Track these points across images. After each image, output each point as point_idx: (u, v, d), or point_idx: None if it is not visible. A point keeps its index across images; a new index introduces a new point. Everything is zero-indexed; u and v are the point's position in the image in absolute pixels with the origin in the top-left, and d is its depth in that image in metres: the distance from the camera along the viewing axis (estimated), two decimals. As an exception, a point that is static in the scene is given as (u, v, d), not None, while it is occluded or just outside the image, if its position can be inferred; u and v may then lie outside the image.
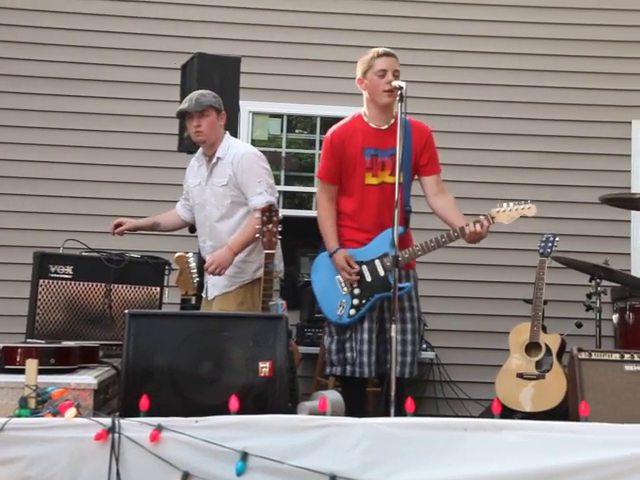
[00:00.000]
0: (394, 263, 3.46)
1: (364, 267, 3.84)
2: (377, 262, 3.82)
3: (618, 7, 6.13)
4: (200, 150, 4.28)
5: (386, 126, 3.91)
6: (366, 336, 3.82)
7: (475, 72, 6.06)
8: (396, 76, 3.83)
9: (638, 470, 2.53)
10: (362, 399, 4.06)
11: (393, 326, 3.34)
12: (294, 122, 6.62)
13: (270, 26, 6.05)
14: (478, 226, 3.73)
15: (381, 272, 3.79)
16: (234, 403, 2.68)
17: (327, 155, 3.96)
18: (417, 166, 3.97)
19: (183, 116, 4.20)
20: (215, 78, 4.11)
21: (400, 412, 3.09)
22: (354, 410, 3.78)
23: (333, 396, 3.12)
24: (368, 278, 3.83)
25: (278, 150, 6.26)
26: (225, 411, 2.70)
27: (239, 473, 2.52)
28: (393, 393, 3.29)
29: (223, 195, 4.12)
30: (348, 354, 3.82)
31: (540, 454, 2.63)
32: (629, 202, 4.73)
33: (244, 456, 2.55)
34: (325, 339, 4.04)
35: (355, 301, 3.83)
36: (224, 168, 4.12)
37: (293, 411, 3.04)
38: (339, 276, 3.86)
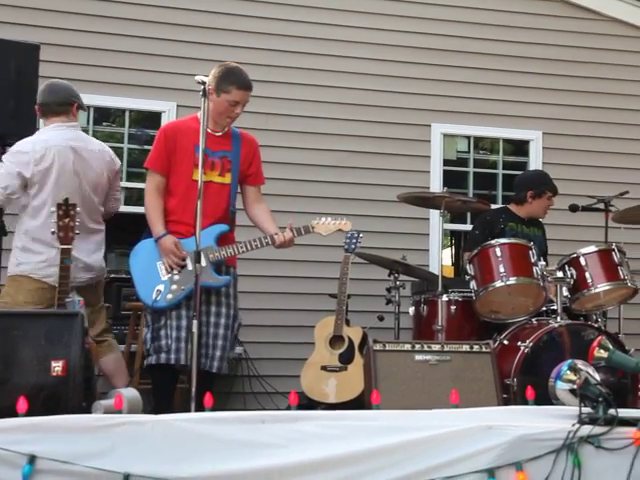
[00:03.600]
0: (196, 258, 3.52)
1: (188, 257, 3.92)
2: (201, 253, 3.82)
3: (421, 16, 6.44)
4: None
5: (220, 133, 4.11)
6: (184, 323, 3.88)
7: (291, 72, 6.16)
8: (243, 106, 4.04)
9: (424, 453, 2.64)
10: (172, 392, 4.11)
11: (194, 322, 3.39)
12: (103, 115, 6.42)
13: (78, 14, 5.81)
14: (282, 237, 4.11)
15: (204, 263, 3.84)
16: (22, 405, 2.57)
17: (158, 145, 4.08)
18: (244, 175, 4.17)
19: None
20: (11, 65, 3.89)
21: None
22: (164, 404, 3.82)
23: (130, 394, 3.07)
24: (190, 267, 3.90)
25: (84, 143, 6.03)
26: (14, 413, 2.58)
27: (26, 477, 2.41)
28: (194, 389, 3.30)
29: None
30: (163, 341, 3.87)
31: (334, 442, 2.70)
32: (426, 200, 4.95)
33: (31, 459, 2.44)
34: (144, 332, 4.09)
35: (174, 287, 3.91)
36: None
37: (88, 411, 2.95)
38: (160, 262, 3.96)
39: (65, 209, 3.51)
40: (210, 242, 3.94)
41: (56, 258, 3.68)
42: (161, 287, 3.92)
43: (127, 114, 6.06)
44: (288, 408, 4.66)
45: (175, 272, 3.93)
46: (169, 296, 3.90)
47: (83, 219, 3.94)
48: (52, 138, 4.03)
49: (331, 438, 2.70)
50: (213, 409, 2.81)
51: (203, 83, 3.56)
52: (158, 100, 5.91)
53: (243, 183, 4.23)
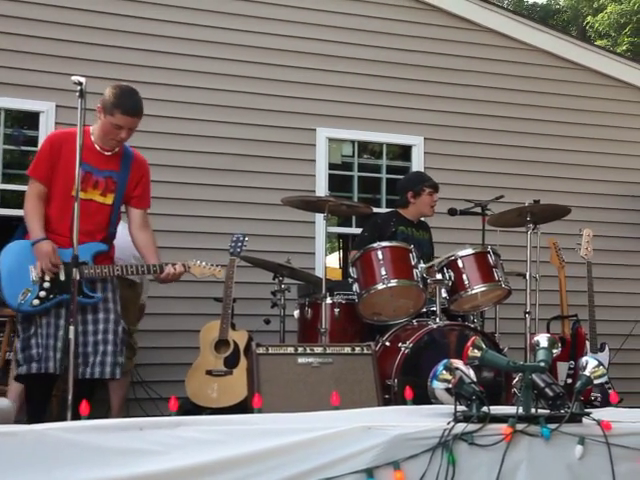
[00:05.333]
0: (73, 264, 3.48)
1: (61, 266, 3.82)
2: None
3: (308, 21, 6.50)
4: None
5: (110, 152, 4.00)
6: (52, 331, 3.79)
7: (175, 73, 6.10)
8: (130, 131, 3.91)
9: (305, 455, 2.65)
10: (46, 401, 3.99)
11: (71, 328, 3.32)
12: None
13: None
14: (173, 268, 3.97)
15: (76, 277, 3.71)
16: None
17: (43, 153, 3.96)
18: (129, 196, 4.08)
19: None
20: None
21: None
22: (37, 413, 3.73)
23: (0, 404, 2.95)
24: (62, 277, 3.82)
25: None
26: None
27: None
28: (70, 397, 3.22)
29: None
30: (34, 350, 3.78)
31: (215, 447, 2.68)
32: (310, 204, 4.97)
33: None
34: (15, 341, 3.97)
35: (42, 293, 3.81)
36: None
37: (-44, 423, 2.82)
38: (32, 266, 3.82)
39: None
40: (86, 258, 3.85)
41: None
42: (28, 290, 3.80)
43: (2, 113, 5.82)
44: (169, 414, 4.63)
45: (46, 279, 3.81)
46: (35, 302, 3.78)
47: None
48: None
49: (212, 443, 2.68)
50: (93, 417, 2.75)
51: (80, 83, 3.49)
52: (36, 100, 5.72)
53: (127, 204, 4.13)
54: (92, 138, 3.95)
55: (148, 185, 4.17)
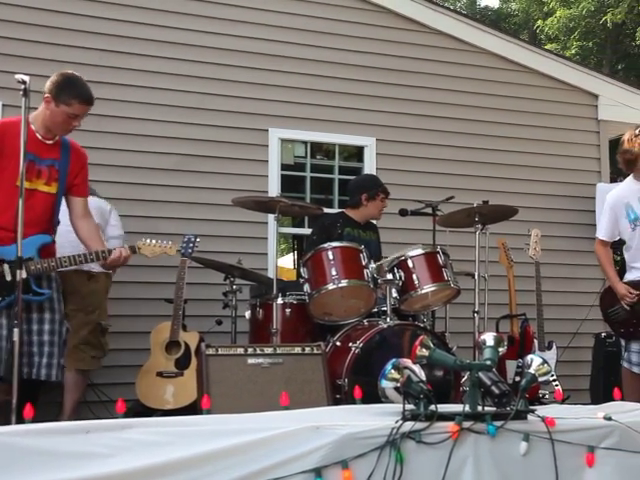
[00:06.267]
0: (19, 265, 3.39)
1: (5, 266, 3.73)
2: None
3: (258, 22, 6.49)
4: None
5: (52, 142, 3.93)
6: (4, 332, 3.70)
7: (124, 73, 6.05)
8: (82, 118, 3.91)
9: (253, 456, 2.64)
10: None
11: (15, 330, 3.25)
12: None
13: None
14: (119, 252, 3.88)
15: (23, 274, 3.61)
16: None
17: None
18: (70, 184, 4.01)
19: None
20: None
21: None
22: None
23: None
24: (8, 277, 3.72)
25: None
26: None
27: None
28: (15, 400, 3.16)
29: None
30: None
31: (163, 448, 2.66)
32: (261, 205, 4.96)
33: None
34: None
35: None
36: None
37: None
38: None
39: None
40: (32, 253, 3.76)
41: None
42: None
43: (-54, 113, 5.71)
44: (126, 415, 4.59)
45: None
46: None
47: None
48: None
49: (161, 445, 2.66)
50: (43, 420, 2.70)
51: (24, 82, 3.42)
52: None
53: (68, 193, 4.05)
54: (33, 127, 3.85)
55: (87, 173, 4.12)
